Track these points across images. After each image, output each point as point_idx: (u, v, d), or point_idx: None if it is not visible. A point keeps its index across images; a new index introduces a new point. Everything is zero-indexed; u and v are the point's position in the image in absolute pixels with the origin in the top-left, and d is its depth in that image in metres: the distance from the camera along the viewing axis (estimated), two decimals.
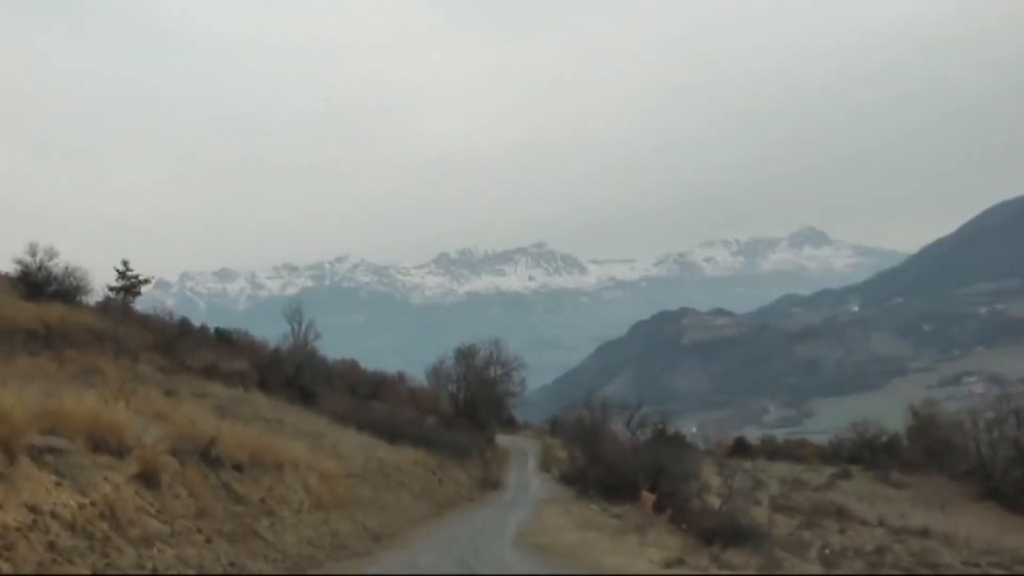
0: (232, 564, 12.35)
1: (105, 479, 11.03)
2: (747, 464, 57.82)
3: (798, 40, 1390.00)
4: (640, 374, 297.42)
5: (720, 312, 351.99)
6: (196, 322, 49.01)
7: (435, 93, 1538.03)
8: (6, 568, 8.26)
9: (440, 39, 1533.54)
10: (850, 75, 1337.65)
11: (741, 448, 69.69)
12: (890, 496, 51.75)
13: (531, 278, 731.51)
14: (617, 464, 37.57)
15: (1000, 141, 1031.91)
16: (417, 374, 69.22)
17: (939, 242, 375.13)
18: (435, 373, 60.62)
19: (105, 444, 11.80)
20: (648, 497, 30.79)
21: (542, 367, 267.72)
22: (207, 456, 14.52)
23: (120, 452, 11.98)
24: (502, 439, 60.86)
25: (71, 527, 9.58)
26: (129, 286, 34.74)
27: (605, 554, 19.24)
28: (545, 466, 52.19)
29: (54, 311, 28.47)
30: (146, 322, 37.65)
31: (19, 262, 31.57)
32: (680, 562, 18.70)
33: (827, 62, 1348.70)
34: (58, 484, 10.13)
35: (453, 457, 39.78)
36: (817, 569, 28.03)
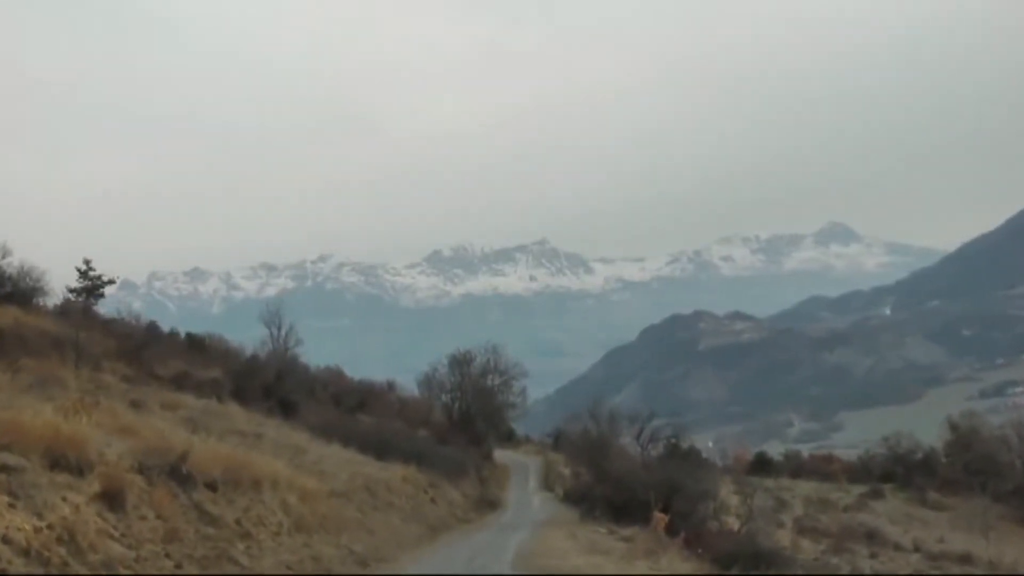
0: None
1: (64, 500, 10.97)
2: (769, 482, 57.80)
3: (821, 15, 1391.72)
4: (651, 383, 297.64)
5: (739, 316, 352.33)
6: (165, 326, 49.04)
7: (427, 76, 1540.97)
8: None
9: (430, 17, 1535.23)
10: (880, 53, 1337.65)
11: (762, 464, 69.67)
12: (927, 518, 51.76)
13: (532, 278, 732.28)
14: (626, 482, 37.50)
15: None
16: (408, 383, 69.31)
17: (981, 238, 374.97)
18: (427, 382, 60.62)
19: (64, 461, 11.74)
20: (660, 518, 30.73)
21: (544, 375, 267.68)
22: (177, 474, 14.47)
23: (80, 470, 11.93)
24: (501, 454, 60.89)
25: (25, 553, 9.50)
26: (91, 287, 34.57)
27: None
28: (547, 484, 52.25)
29: (8, 315, 28.47)
30: (110, 327, 37.65)
31: None
32: None
33: (854, 38, 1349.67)
34: (11, 506, 10.06)
35: (447, 474, 39.76)
36: None
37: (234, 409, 32.36)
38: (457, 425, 56.53)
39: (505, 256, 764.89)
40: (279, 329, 48.91)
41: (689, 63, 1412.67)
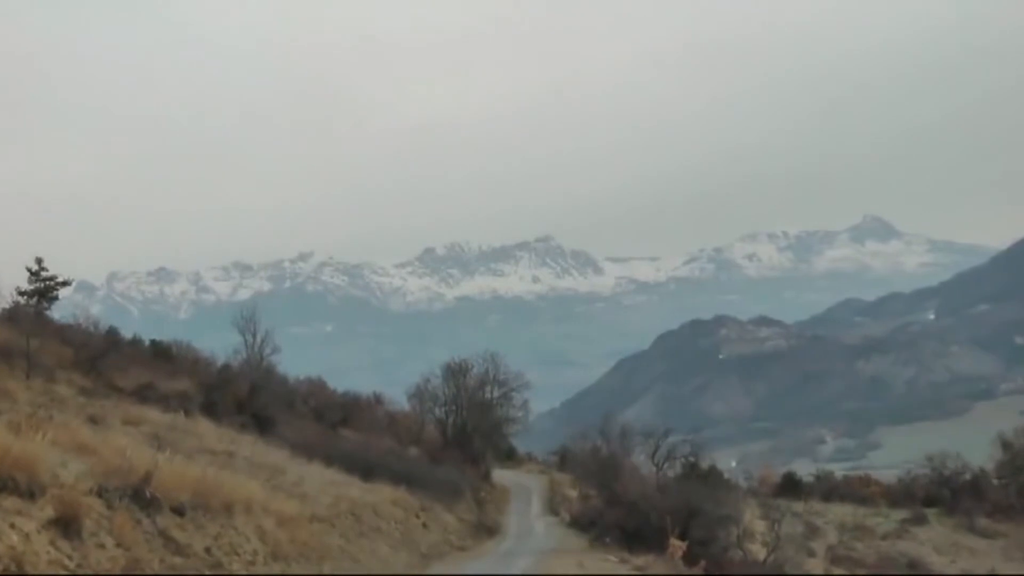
0: None
1: (12, 526, 10.91)
2: (798, 506, 57.81)
3: None
4: (667, 396, 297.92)
5: (764, 321, 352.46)
6: (127, 333, 48.97)
7: (418, 56, 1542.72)
8: None
9: None
10: (923, 30, 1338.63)
11: (791, 486, 69.65)
12: (976, 547, 51.69)
13: (535, 279, 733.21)
14: (640, 506, 37.53)
15: None
16: (397, 396, 69.25)
17: None
18: (419, 395, 60.58)
19: (13, 484, 11.69)
20: (678, 546, 30.77)
21: (549, 387, 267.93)
22: (140, 497, 14.42)
23: (32, 493, 11.87)
24: (500, 475, 60.82)
25: None
26: (44, 289, 34.63)
27: None
28: (552, 507, 52.19)
29: None
30: (65, 334, 37.59)
31: None
32: None
33: (895, 12, 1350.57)
34: None
35: (441, 497, 39.80)
36: None
37: (204, 425, 32.35)
38: (452, 442, 56.49)
39: (505, 255, 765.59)
40: (254, 336, 48.88)
41: (710, 41, 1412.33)
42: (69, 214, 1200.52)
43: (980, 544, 52.54)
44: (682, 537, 32.10)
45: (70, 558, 11.56)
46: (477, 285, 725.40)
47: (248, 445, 31.51)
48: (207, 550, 15.46)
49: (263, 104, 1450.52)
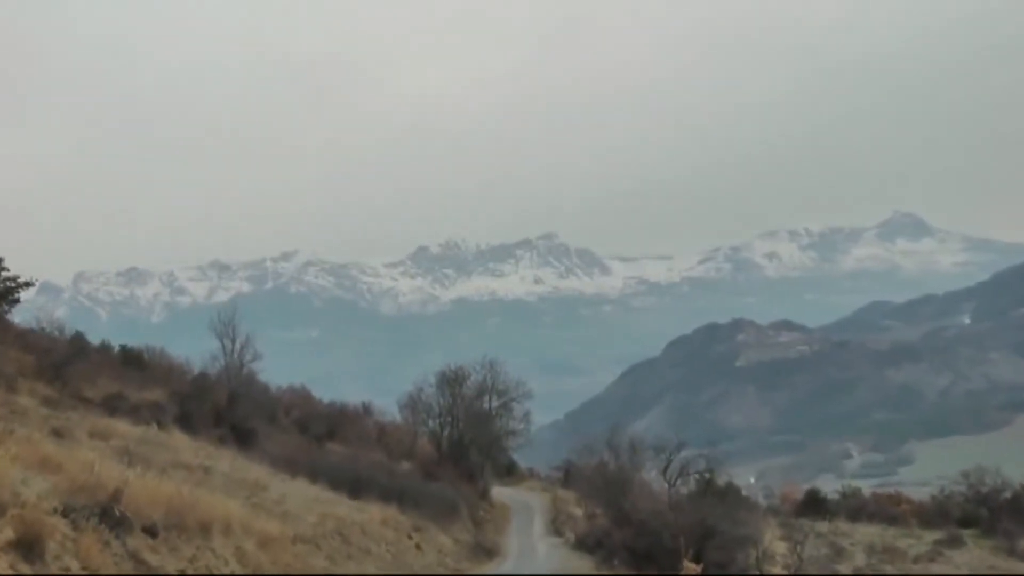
0: None
1: None
2: (822, 526, 57.83)
3: None
4: (680, 406, 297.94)
5: (786, 325, 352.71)
6: (94, 338, 49.00)
7: (413, 42, 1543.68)
8: None
9: None
10: (958, 12, 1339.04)
11: (814, 504, 69.67)
12: (1017, 570, 51.61)
13: (537, 280, 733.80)
14: (650, 525, 37.58)
15: None
16: (388, 406, 69.38)
17: None
18: (412, 405, 60.65)
19: None
20: (692, 568, 30.76)
21: (552, 396, 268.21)
22: (108, 516, 14.38)
23: None
24: (500, 492, 60.95)
25: None
26: (4, 291, 34.65)
27: None
28: (556, 527, 52.28)
29: None
30: (27, 339, 37.59)
31: None
32: None
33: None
34: None
35: (435, 516, 39.86)
36: None
37: (179, 438, 32.38)
38: (447, 457, 56.54)
39: (505, 253, 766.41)
40: (233, 341, 48.80)
41: (726, 21, 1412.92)
42: (34, 209, 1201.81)
43: (1021, 568, 52.45)
44: (697, 559, 32.09)
45: None
46: (474, 286, 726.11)
47: (226, 460, 31.55)
48: (181, 573, 15.45)
49: (244, 94, 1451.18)
